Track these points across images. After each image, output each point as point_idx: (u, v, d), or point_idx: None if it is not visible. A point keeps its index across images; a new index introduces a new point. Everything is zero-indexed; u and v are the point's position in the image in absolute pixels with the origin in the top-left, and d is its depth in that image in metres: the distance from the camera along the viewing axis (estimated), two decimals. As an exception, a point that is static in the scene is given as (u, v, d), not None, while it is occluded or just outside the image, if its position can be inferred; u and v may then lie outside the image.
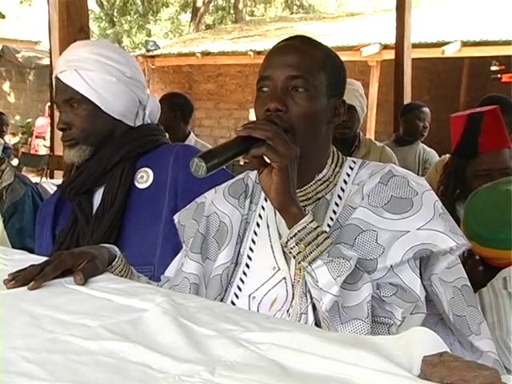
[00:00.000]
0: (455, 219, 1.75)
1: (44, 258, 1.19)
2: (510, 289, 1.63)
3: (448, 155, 3.11)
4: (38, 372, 0.75)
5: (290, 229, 1.21)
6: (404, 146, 4.59)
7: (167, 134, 2.01)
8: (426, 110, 4.65)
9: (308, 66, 1.32)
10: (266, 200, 1.43)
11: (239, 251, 1.39)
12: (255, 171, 1.46)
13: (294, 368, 0.79)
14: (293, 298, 1.29)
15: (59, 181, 2.91)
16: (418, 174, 4.58)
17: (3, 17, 9.00)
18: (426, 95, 11.93)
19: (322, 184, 1.37)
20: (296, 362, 0.80)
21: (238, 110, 14.01)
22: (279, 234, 1.37)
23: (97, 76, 1.76)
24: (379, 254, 1.24)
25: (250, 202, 1.45)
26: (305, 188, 1.37)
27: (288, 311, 1.27)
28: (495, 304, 1.61)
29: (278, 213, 1.39)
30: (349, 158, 1.42)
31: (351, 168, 1.40)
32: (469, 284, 1.33)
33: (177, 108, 4.12)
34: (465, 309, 1.31)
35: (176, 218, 1.55)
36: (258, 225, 1.41)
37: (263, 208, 1.43)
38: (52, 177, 6.29)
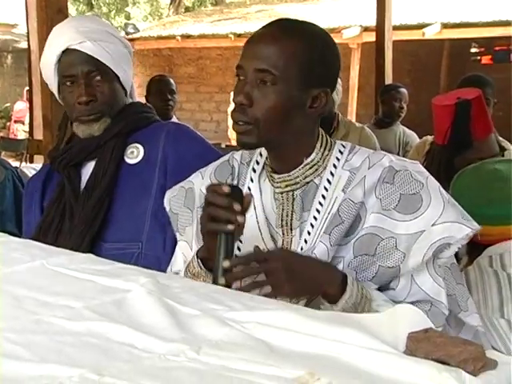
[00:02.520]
0: None
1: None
2: (495, 267, 1.64)
3: (429, 137, 3.12)
4: (23, 353, 0.75)
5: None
6: (383, 129, 4.60)
7: None
8: (403, 90, 4.66)
9: (278, 58, 1.28)
10: (251, 181, 1.42)
11: None
12: (240, 151, 1.45)
13: (280, 346, 0.79)
14: None
15: (39, 165, 2.88)
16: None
17: (-21, -1, 8.86)
18: (407, 78, 11.93)
19: (310, 168, 1.36)
20: (281, 340, 0.80)
21: (219, 93, 13.95)
22: (266, 217, 1.37)
23: (114, 48, 1.76)
24: (401, 260, 1.25)
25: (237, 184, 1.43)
26: (293, 172, 1.36)
27: None
28: (481, 282, 1.62)
29: (263, 194, 1.39)
30: (337, 142, 1.42)
31: (341, 152, 1.39)
32: (455, 261, 1.36)
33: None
34: (454, 287, 1.32)
35: (167, 205, 1.53)
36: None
37: (249, 189, 1.42)
38: (32, 161, 6.23)
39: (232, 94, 1.40)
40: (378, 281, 1.28)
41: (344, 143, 1.42)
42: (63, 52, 1.74)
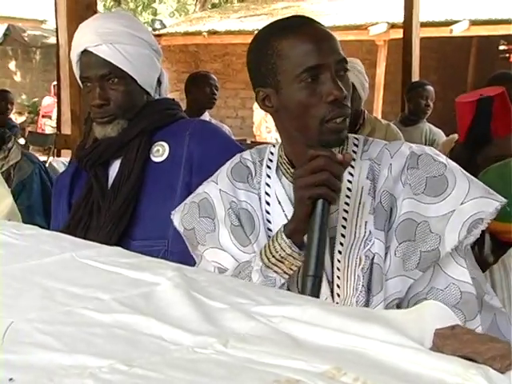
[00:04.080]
0: None
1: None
2: None
3: (456, 135, 3.09)
4: (53, 343, 0.76)
5: None
6: (409, 126, 4.58)
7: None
8: (430, 88, 4.63)
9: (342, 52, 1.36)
10: (268, 177, 1.43)
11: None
12: (247, 152, 1.48)
13: (306, 340, 0.79)
14: None
15: (67, 159, 2.92)
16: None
17: (9, -5, 8.96)
18: (434, 75, 11.85)
19: None
20: (308, 334, 0.80)
21: (245, 89, 13.95)
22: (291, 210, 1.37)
23: (132, 49, 1.75)
24: (437, 243, 1.27)
25: (257, 183, 1.45)
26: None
27: None
28: (505, 281, 1.61)
29: (286, 188, 1.39)
30: (349, 135, 1.42)
31: (355, 145, 1.41)
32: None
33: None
34: (474, 271, 1.33)
35: (179, 227, 1.50)
36: (267, 203, 1.41)
37: (268, 185, 1.42)
38: (59, 155, 6.30)
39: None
40: (422, 267, 1.29)
41: (356, 136, 1.44)
42: (82, 52, 1.76)
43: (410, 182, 1.30)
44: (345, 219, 1.34)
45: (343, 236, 1.33)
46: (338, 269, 1.31)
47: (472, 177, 1.32)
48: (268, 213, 1.40)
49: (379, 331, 0.79)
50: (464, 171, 1.32)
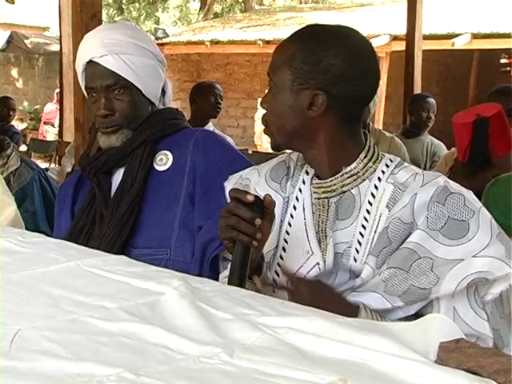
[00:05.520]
0: None
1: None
2: None
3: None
4: (61, 351, 0.76)
5: None
6: (411, 139, 4.59)
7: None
8: (431, 100, 4.64)
9: (275, 64, 1.36)
10: (303, 183, 1.42)
11: (279, 234, 1.40)
12: (296, 153, 1.46)
13: (312, 352, 0.80)
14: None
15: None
16: (425, 167, 4.60)
17: (13, 2, 9.00)
18: (435, 87, 11.88)
19: (349, 177, 1.35)
20: (313, 346, 0.81)
21: (246, 99, 14.00)
22: (313, 218, 1.36)
23: (137, 60, 1.75)
24: (433, 283, 1.22)
25: (291, 186, 1.43)
26: (330, 179, 1.36)
27: None
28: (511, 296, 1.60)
29: (313, 195, 1.39)
30: (386, 155, 1.39)
31: (387, 166, 1.36)
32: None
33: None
34: (498, 322, 1.27)
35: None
36: (294, 207, 1.41)
37: (300, 190, 1.41)
38: (60, 163, 6.31)
39: (260, 99, 1.42)
40: (406, 299, 1.25)
41: (392, 157, 1.39)
42: (87, 63, 1.77)
43: (428, 216, 1.24)
44: (359, 243, 1.31)
45: (355, 260, 1.31)
46: None
47: (501, 234, 1.25)
48: (292, 217, 1.40)
49: (384, 343, 0.79)
50: (494, 225, 1.25)
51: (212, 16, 20.56)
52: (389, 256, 1.26)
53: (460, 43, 10.50)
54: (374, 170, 1.35)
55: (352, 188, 1.35)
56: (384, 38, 11.05)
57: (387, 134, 3.88)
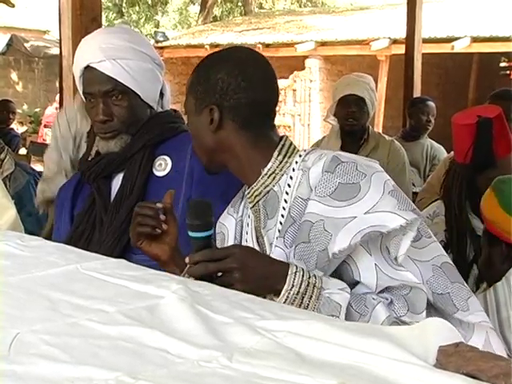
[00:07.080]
0: (472, 232, 1.76)
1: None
2: None
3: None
4: (59, 355, 0.76)
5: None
6: (410, 142, 4.58)
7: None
8: (431, 103, 4.64)
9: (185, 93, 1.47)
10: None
11: None
12: None
13: (311, 355, 0.80)
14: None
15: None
16: (425, 170, 4.58)
17: (13, 6, 9.02)
18: (435, 91, 11.89)
19: (268, 177, 1.41)
20: (312, 349, 0.81)
21: (246, 102, 13.99)
22: (256, 234, 1.45)
23: (135, 65, 1.75)
24: (328, 240, 1.25)
25: (244, 206, 1.51)
26: (255, 184, 1.42)
27: None
28: (509, 299, 1.61)
29: (249, 205, 1.46)
30: (302, 149, 1.45)
31: (300, 156, 1.42)
32: (450, 261, 1.36)
33: None
34: (448, 286, 1.32)
35: None
36: (248, 225, 1.48)
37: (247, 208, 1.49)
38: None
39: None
40: (322, 268, 1.28)
41: (307, 148, 1.47)
42: (85, 68, 1.76)
43: (316, 185, 1.29)
44: (279, 231, 1.38)
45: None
46: None
47: (395, 189, 1.28)
48: (247, 233, 1.48)
49: (383, 347, 0.79)
50: (389, 184, 1.28)
51: (212, 19, 20.60)
52: (296, 234, 1.31)
53: (459, 46, 10.52)
54: (290, 164, 1.40)
55: (274, 186, 1.40)
56: (384, 42, 11.07)
57: (387, 137, 3.87)
